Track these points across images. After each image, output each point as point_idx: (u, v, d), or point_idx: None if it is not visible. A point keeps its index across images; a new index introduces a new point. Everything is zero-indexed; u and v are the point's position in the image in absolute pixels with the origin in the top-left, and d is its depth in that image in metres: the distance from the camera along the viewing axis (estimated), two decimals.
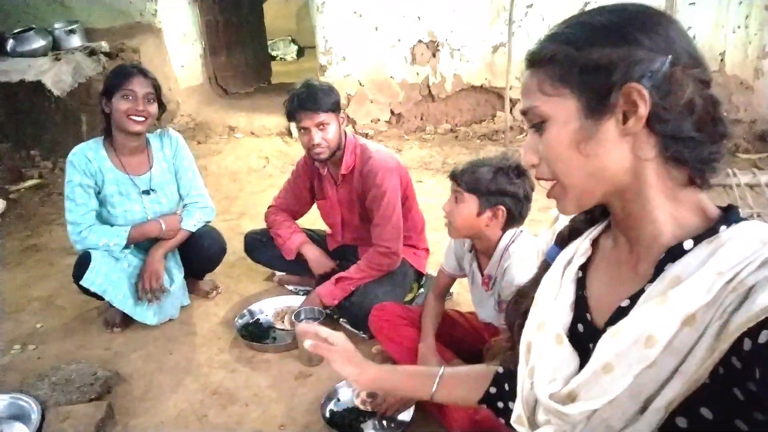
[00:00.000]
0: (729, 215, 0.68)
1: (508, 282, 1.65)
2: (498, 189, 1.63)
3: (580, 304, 0.79)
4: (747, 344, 0.57)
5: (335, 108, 2.15)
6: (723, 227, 0.66)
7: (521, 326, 0.86)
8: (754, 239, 0.63)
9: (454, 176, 1.70)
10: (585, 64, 0.65)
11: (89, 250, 2.18)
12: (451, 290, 2.35)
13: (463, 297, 2.39)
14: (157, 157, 2.36)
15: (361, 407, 1.77)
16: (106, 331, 2.33)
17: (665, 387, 0.63)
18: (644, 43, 0.64)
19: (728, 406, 0.59)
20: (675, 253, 0.67)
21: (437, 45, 4.85)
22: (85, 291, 2.19)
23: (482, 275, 1.81)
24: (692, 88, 0.64)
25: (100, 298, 2.23)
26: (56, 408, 1.77)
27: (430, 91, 5.00)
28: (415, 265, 2.39)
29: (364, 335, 2.20)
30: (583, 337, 0.76)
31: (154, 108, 2.20)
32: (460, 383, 1.12)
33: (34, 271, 2.93)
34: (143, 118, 2.17)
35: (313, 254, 2.41)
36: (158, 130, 2.39)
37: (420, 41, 4.85)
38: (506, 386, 1.03)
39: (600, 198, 0.72)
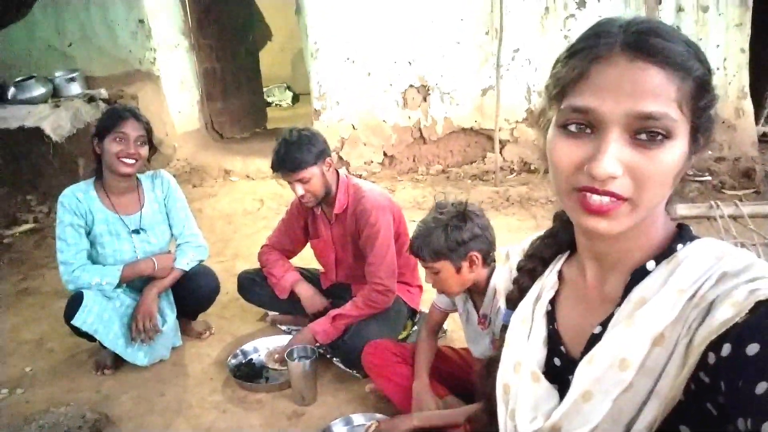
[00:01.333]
0: (683, 234, 0.71)
1: (500, 319, 1.66)
2: (457, 242, 1.65)
3: (553, 338, 0.79)
4: (711, 358, 0.58)
5: (315, 160, 2.15)
6: (680, 245, 0.68)
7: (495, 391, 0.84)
8: (709, 255, 0.65)
9: (416, 255, 1.73)
10: (711, 98, 0.63)
11: (81, 290, 2.18)
12: (445, 327, 2.36)
13: (456, 334, 2.39)
14: (149, 198, 2.39)
15: None
16: (97, 373, 2.31)
17: (644, 409, 0.63)
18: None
19: (704, 422, 0.60)
20: (639, 274, 0.69)
21: (428, 89, 4.99)
22: (77, 331, 2.18)
23: (478, 314, 1.83)
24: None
25: (91, 339, 2.22)
26: None
27: (421, 134, 5.10)
28: (408, 303, 2.40)
29: (357, 374, 2.18)
30: (561, 370, 0.76)
31: (145, 150, 2.24)
32: None
33: (26, 315, 2.91)
34: (134, 161, 2.20)
35: (306, 292, 2.42)
36: (150, 172, 2.43)
37: (411, 86, 4.98)
38: None
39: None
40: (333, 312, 2.22)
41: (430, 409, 1.76)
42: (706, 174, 4.35)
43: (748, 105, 4.83)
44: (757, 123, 5.06)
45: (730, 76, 4.73)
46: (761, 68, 4.96)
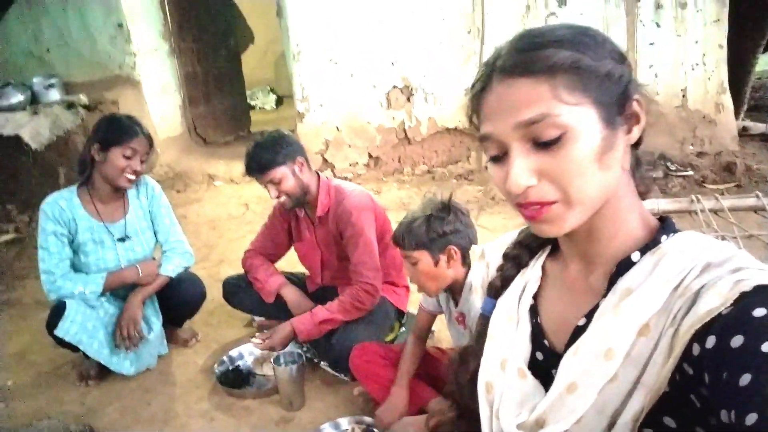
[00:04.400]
0: (667, 226, 0.72)
1: (474, 315, 1.67)
2: (437, 233, 1.67)
3: (536, 332, 0.79)
4: (696, 349, 0.58)
5: (283, 160, 2.14)
6: (664, 237, 0.70)
7: (472, 384, 0.83)
8: (694, 247, 0.66)
9: (397, 243, 1.74)
10: (605, 74, 0.64)
11: (64, 299, 2.15)
12: (432, 328, 2.35)
13: (444, 334, 2.38)
14: (133, 205, 2.36)
15: None
16: (81, 384, 2.27)
17: (629, 400, 0.63)
18: (628, 63, 0.69)
19: (688, 414, 0.60)
20: (624, 266, 0.70)
21: (411, 90, 4.99)
22: (60, 342, 2.15)
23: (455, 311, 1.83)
24: None
25: (74, 349, 2.18)
26: None
27: (406, 135, 5.10)
28: (395, 304, 2.39)
29: (344, 377, 2.17)
30: (544, 365, 0.76)
31: (144, 166, 2.25)
32: None
33: (7, 327, 2.86)
34: (135, 177, 2.21)
35: (292, 296, 2.40)
36: None
37: (395, 86, 4.98)
38: None
39: (590, 216, 0.69)
40: (319, 315, 2.17)
41: (401, 413, 1.77)
42: (689, 169, 4.40)
43: (727, 100, 4.90)
44: (737, 117, 5.14)
45: (709, 72, 4.80)
46: (739, 64, 5.04)
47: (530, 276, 0.83)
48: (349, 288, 2.19)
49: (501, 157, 0.68)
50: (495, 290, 0.88)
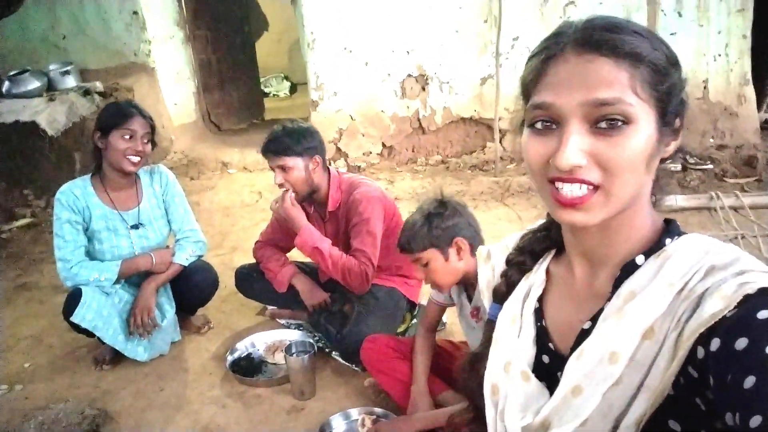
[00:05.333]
0: (671, 228, 0.71)
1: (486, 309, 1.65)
2: (441, 229, 1.67)
3: (541, 336, 0.79)
4: (700, 352, 0.58)
5: (303, 152, 2.15)
6: (668, 240, 0.69)
7: (482, 389, 0.84)
8: (698, 249, 0.66)
9: (403, 249, 1.74)
10: (673, 83, 0.65)
11: (80, 286, 2.17)
12: (444, 319, 2.35)
13: (456, 326, 2.37)
14: (147, 193, 2.37)
15: None
16: (96, 369, 2.30)
17: (633, 403, 0.64)
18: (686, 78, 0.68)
19: (693, 417, 0.60)
20: (629, 269, 0.70)
21: (426, 79, 4.94)
22: (76, 328, 2.17)
23: (470, 305, 1.81)
24: None
25: (90, 335, 2.20)
26: None
27: (420, 124, 5.07)
28: (407, 295, 2.38)
29: (356, 368, 2.17)
30: (550, 368, 0.76)
31: (149, 147, 2.24)
32: None
33: (24, 310, 2.90)
34: (139, 158, 2.20)
35: (304, 285, 2.41)
36: (148, 166, 2.41)
37: (409, 75, 4.94)
38: None
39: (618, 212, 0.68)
40: (319, 242, 2.16)
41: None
42: (708, 162, 4.32)
43: (750, 92, 4.80)
44: (759, 110, 5.03)
45: (732, 63, 4.69)
46: (763, 55, 4.92)
47: (534, 280, 0.83)
48: (352, 255, 2.16)
49: (547, 130, 0.66)
50: (501, 296, 0.88)
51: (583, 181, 0.63)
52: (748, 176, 4.23)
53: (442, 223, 1.67)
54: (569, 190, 0.64)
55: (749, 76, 4.79)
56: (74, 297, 2.15)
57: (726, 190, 2.03)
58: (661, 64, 0.63)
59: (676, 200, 1.99)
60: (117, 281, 2.25)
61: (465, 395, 0.96)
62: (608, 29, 0.63)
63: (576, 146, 0.63)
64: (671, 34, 4.61)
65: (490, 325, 0.88)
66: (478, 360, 0.89)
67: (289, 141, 2.13)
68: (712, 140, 4.67)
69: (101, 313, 2.18)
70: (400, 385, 1.90)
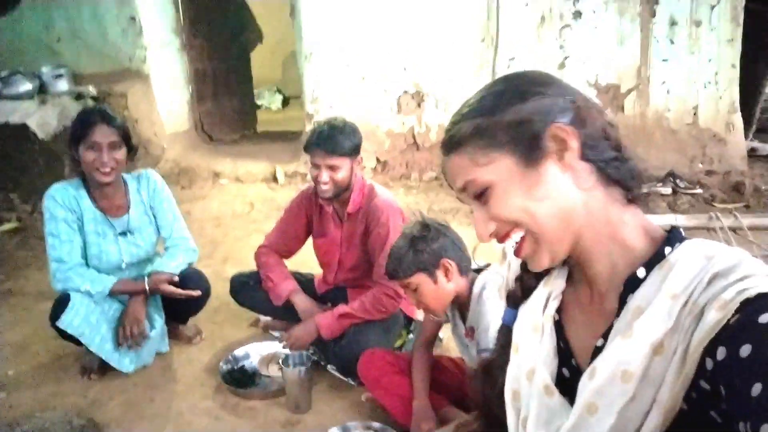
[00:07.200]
0: (672, 236, 0.71)
1: (483, 329, 1.65)
2: (426, 252, 1.67)
3: (563, 349, 0.79)
4: (709, 364, 0.58)
5: (352, 152, 2.15)
6: (668, 249, 0.69)
7: (500, 396, 0.84)
8: (700, 256, 0.65)
9: (392, 276, 1.74)
10: (507, 124, 0.70)
11: (69, 291, 2.11)
12: (441, 336, 2.33)
13: (453, 342, 2.35)
14: (135, 199, 2.32)
15: None
16: (83, 377, 2.23)
17: (646, 419, 0.63)
18: (546, 93, 0.71)
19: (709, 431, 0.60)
20: (632, 283, 0.69)
21: (422, 95, 4.98)
22: (62, 334, 2.11)
23: (464, 326, 1.80)
24: (599, 117, 0.72)
25: (77, 342, 2.14)
26: None
27: (415, 140, 5.09)
28: (405, 311, 2.36)
29: (352, 382, 2.14)
30: (570, 381, 0.76)
31: (121, 154, 2.15)
32: None
33: (8, 317, 2.82)
34: (110, 168, 2.12)
35: (303, 304, 2.36)
36: (136, 172, 2.37)
37: (406, 92, 4.97)
38: None
39: (570, 244, 0.72)
40: (340, 309, 2.18)
41: (431, 429, 1.72)
42: (697, 187, 4.39)
43: (738, 120, 4.90)
44: (746, 138, 5.14)
45: (722, 91, 4.80)
46: (750, 84, 5.04)
47: (554, 285, 0.82)
48: (371, 290, 2.18)
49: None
50: (515, 300, 0.87)
51: (505, 237, 0.74)
52: (736, 202, 4.30)
53: (427, 246, 1.66)
54: (510, 247, 0.75)
55: (737, 104, 4.90)
56: (62, 302, 2.09)
57: (723, 213, 2.07)
58: (483, 125, 0.71)
59: (675, 219, 2.01)
60: (109, 296, 2.20)
61: (477, 404, 0.96)
62: (447, 130, 0.76)
63: (479, 221, 0.75)
64: (663, 60, 4.71)
65: (505, 330, 0.87)
66: (493, 367, 0.88)
67: (344, 139, 2.10)
68: (701, 165, 4.75)
69: (89, 320, 2.11)
70: (398, 400, 1.87)
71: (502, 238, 0.74)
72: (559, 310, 0.81)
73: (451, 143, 0.74)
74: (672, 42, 4.70)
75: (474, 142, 0.71)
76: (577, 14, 4.67)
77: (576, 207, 0.70)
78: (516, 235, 0.73)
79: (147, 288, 2.24)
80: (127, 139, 2.18)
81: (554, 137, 0.69)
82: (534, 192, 0.69)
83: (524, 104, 0.70)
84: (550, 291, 0.82)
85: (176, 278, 2.31)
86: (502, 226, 0.73)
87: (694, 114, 4.81)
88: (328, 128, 2.12)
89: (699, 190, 4.37)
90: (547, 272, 0.84)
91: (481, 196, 0.72)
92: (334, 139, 2.09)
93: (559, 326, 0.80)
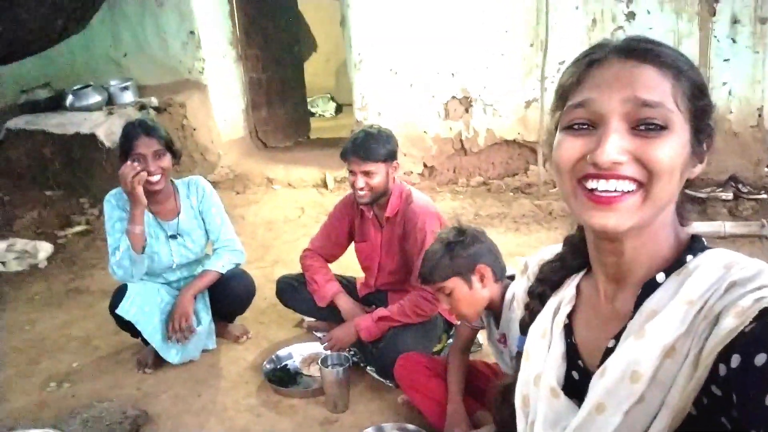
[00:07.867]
0: (694, 245, 0.71)
1: (513, 337, 1.64)
2: (462, 257, 1.67)
3: (571, 352, 0.79)
4: (722, 370, 0.58)
5: (387, 158, 2.20)
6: (689, 257, 0.69)
7: (515, 419, 0.84)
8: (718, 265, 0.65)
9: (426, 281, 1.74)
10: (707, 104, 0.67)
11: (126, 282, 2.27)
12: (480, 341, 2.32)
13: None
14: (184, 205, 2.45)
15: None
16: (138, 371, 2.37)
17: (654, 421, 0.63)
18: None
19: None
20: (650, 287, 0.69)
21: (470, 101, 4.96)
22: (120, 322, 2.27)
23: (498, 332, 1.80)
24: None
25: (133, 334, 2.30)
26: None
27: (462, 145, 5.07)
28: (444, 315, 2.37)
29: (390, 384, 2.17)
30: (579, 384, 0.76)
31: (166, 161, 2.26)
32: None
33: (75, 313, 3.03)
34: (158, 176, 2.24)
35: (346, 305, 2.42)
36: (187, 179, 2.50)
37: (453, 97, 4.97)
38: None
39: (660, 212, 0.67)
40: (379, 312, 2.22)
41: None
42: (762, 192, 4.15)
43: None
44: None
45: None
46: None
47: (565, 295, 0.83)
48: (410, 294, 2.21)
49: (582, 129, 0.67)
50: (525, 327, 0.88)
51: (621, 177, 0.63)
52: None
53: (463, 251, 1.67)
54: (605, 188, 0.64)
55: None
56: (120, 291, 2.27)
57: None
58: (699, 81, 0.66)
59: (724, 227, 1.92)
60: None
61: (497, 424, 0.97)
62: (651, 42, 0.66)
63: (616, 143, 0.63)
64: (724, 60, 4.49)
65: (519, 358, 0.88)
66: (509, 392, 0.89)
67: (378, 146, 2.17)
68: (766, 169, 4.49)
69: (143, 309, 2.27)
70: (433, 404, 1.88)
71: (607, 175, 0.64)
72: (569, 315, 0.81)
73: (664, 60, 0.64)
74: (734, 41, 4.47)
75: (688, 86, 0.65)
76: (631, 15, 4.53)
77: (681, 177, 0.67)
78: (622, 185, 0.64)
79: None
80: (170, 145, 2.31)
81: (707, 148, 0.69)
82: (685, 170, 0.66)
83: (707, 92, 0.68)
84: (561, 298, 0.83)
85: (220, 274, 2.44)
86: (628, 167, 0.63)
87: (759, 115, 4.55)
88: (363, 135, 2.18)
89: (764, 195, 4.13)
90: (549, 295, 0.85)
91: (653, 128, 0.63)
92: (368, 146, 2.15)
93: (568, 330, 0.80)
